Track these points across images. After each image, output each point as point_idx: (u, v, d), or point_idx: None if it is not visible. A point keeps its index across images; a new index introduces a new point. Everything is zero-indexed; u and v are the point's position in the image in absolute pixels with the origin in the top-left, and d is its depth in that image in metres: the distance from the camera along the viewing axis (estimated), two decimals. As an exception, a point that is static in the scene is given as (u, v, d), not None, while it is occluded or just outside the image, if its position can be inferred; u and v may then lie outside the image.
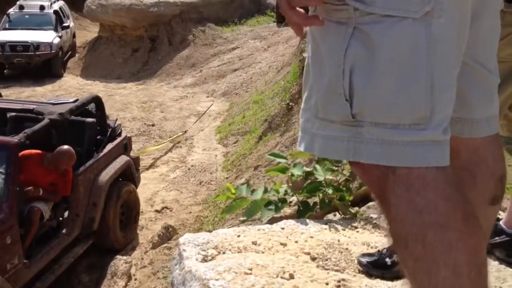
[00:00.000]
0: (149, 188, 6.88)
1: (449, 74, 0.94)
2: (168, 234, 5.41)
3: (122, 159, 5.73)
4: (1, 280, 3.78)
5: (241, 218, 3.06)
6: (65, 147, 4.79)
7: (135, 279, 4.64)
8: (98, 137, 5.64)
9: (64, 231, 4.88)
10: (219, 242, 2.19)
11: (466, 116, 1.16)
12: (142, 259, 5.01)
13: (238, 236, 2.24)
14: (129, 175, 5.92)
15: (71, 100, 5.54)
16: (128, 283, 4.48)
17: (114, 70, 14.52)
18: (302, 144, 1.06)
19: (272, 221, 2.71)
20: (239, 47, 14.43)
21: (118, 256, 4.80)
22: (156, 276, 4.59)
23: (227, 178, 7.17)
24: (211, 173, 7.54)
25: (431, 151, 0.92)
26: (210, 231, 4.77)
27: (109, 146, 5.63)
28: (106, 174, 5.36)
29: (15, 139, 4.42)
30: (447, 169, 0.94)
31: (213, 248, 2.12)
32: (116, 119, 6.54)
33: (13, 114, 5.58)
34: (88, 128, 5.52)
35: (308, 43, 1.05)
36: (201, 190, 7.03)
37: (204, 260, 2.03)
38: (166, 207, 6.50)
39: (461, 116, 1.15)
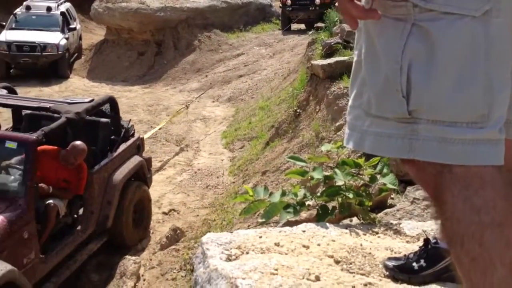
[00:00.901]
0: (156, 190, 6.88)
1: (505, 74, 0.95)
2: (176, 236, 5.41)
3: (135, 159, 5.82)
4: (18, 273, 3.83)
5: (259, 220, 3.07)
6: (78, 142, 4.85)
7: (144, 280, 4.64)
8: (112, 137, 5.72)
9: (79, 227, 4.96)
10: (242, 242, 2.20)
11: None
12: (151, 260, 5.02)
13: (260, 237, 2.25)
14: (142, 175, 6.00)
15: (87, 100, 5.61)
16: (137, 284, 4.49)
17: (120, 73, 14.55)
18: (351, 142, 1.05)
19: (287, 224, 2.73)
20: (244, 54, 14.48)
21: (127, 256, 4.81)
22: (164, 278, 4.59)
23: (233, 182, 7.18)
24: (217, 177, 7.55)
25: (488, 149, 0.93)
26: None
27: (123, 146, 5.71)
28: (120, 174, 5.44)
29: (33, 136, 4.46)
30: (502, 168, 0.95)
31: (236, 248, 2.13)
32: (130, 120, 6.58)
33: (29, 112, 5.64)
34: (103, 128, 5.60)
35: (360, 40, 1.06)
36: (208, 193, 7.04)
37: (228, 259, 2.04)
38: (174, 210, 6.51)
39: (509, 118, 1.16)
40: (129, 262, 4.63)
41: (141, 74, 14.59)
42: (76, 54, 15.46)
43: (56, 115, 5.08)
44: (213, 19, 16.13)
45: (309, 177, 2.66)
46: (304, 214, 2.89)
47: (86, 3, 18.72)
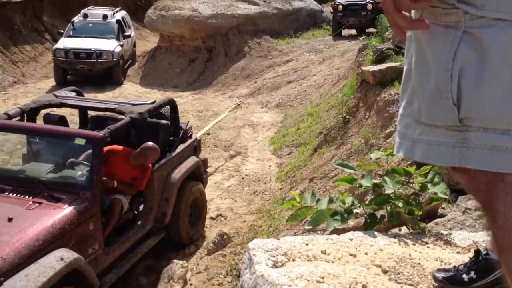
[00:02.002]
0: (204, 195, 6.95)
1: None
2: (223, 242, 5.45)
3: (193, 160, 6.03)
4: (84, 262, 4.04)
5: (306, 227, 3.05)
6: (150, 143, 5.08)
7: (191, 284, 4.69)
8: (171, 138, 5.93)
9: (139, 223, 5.17)
10: (288, 249, 2.19)
11: None
12: (198, 264, 5.07)
13: (307, 244, 2.24)
14: (198, 175, 6.20)
15: (149, 101, 5.82)
16: (184, 288, 4.54)
17: (171, 79, 14.83)
18: (401, 151, 1.05)
19: (334, 232, 2.70)
20: (294, 60, 14.48)
21: (174, 261, 4.87)
22: (210, 283, 4.63)
23: (281, 188, 7.17)
24: (265, 183, 7.56)
25: None
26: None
27: (181, 147, 5.93)
28: (178, 173, 5.65)
29: (100, 133, 4.74)
30: None
31: (283, 255, 2.13)
32: (188, 121, 6.75)
33: (95, 114, 5.99)
34: (162, 129, 5.82)
35: (411, 48, 1.05)
36: (255, 199, 7.05)
37: (275, 266, 2.04)
38: (221, 215, 6.56)
39: None
40: (176, 266, 4.69)
41: (192, 80, 14.83)
42: (130, 61, 15.90)
43: (120, 116, 5.35)
44: (263, 26, 16.24)
45: (358, 185, 2.63)
46: (351, 222, 2.86)
47: (141, 11, 19.30)
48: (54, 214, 4.15)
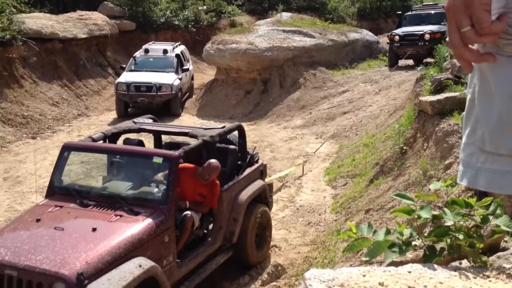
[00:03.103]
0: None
1: None
2: (277, 273, 5.43)
3: (259, 183, 6.41)
4: (160, 270, 4.38)
5: (363, 259, 3.00)
6: (213, 160, 5.49)
7: (245, 315, 4.68)
8: (239, 162, 6.30)
9: (209, 240, 5.51)
10: (345, 280, 2.17)
11: None
12: (252, 295, 5.05)
13: (364, 275, 2.21)
14: (264, 198, 6.54)
15: (220, 126, 6.31)
16: (239, 318, 4.52)
17: (227, 110, 15.10)
18: (465, 179, 1.05)
19: (392, 264, 2.64)
20: (349, 90, 14.43)
21: (229, 291, 4.88)
22: (265, 314, 4.60)
23: (336, 220, 7.09)
24: (319, 214, 7.49)
25: None
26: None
27: (248, 170, 6.31)
28: (245, 194, 6.02)
29: (176, 152, 5.20)
30: None
31: (339, 286, 2.11)
32: (255, 147, 7.20)
33: (168, 141, 6.54)
34: (231, 153, 6.21)
35: (474, 78, 1.06)
36: (310, 230, 7.00)
37: (331, 296, 2.02)
38: (275, 246, 6.54)
39: None
40: (231, 297, 4.70)
41: (247, 112, 15.04)
42: (188, 93, 16.35)
43: (193, 139, 5.85)
44: (318, 57, 16.35)
45: (416, 216, 2.58)
46: (410, 255, 2.79)
47: (199, 45, 19.87)
48: (133, 225, 4.57)
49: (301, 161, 10.07)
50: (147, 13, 20.70)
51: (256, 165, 6.50)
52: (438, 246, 2.55)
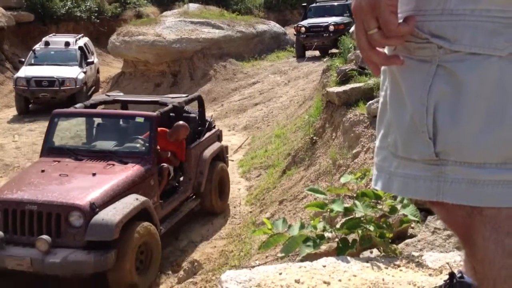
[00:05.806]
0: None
1: None
2: (194, 269, 5.36)
3: (217, 144, 7.56)
4: (151, 204, 5.48)
5: (279, 255, 3.02)
6: (181, 122, 6.58)
7: (162, 315, 4.58)
8: (199, 128, 7.35)
9: (181, 189, 6.63)
10: (261, 279, 2.16)
11: None
12: (169, 294, 4.95)
13: (280, 273, 2.21)
14: (222, 157, 7.68)
15: (184, 96, 7.57)
16: (156, 319, 4.41)
17: (137, 104, 14.69)
18: (379, 183, 1.04)
19: (307, 257, 2.67)
20: (259, 82, 14.56)
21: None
22: (183, 313, 4.52)
23: (251, 212, 7.13)
24: (234, 207, 7.50)
25: None
26: (236, 266, 4.68)
27: (208, 134, 7.41)
28: (208, 152, 7.14)
29: (155, 113, 6.24)
30: None
31: (256, 286, 2.09)
32: (212, 115, 8.82)
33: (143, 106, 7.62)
34: (192, 121, 7.22)
35: (385, 81, 1.05)
36: (225, 224, 6.98)
37: (248, 298, 2.00)
38: (191, 241, 6.46)
39: None
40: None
41: (158, 105, 14.72)
42: (93, 87, 15.69)
43: (164, 105, 6.88)
44: (228, 49, 16.33)
45: (329, 210, 2.62)
46: (323, 247, 2.84)
47: (103, 37, 19.16)
48: (126, 170, 5.59)
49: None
50: (46, 3, 19.63)
51: (213, 130, 7.64)
52: (350, 238, 2.61)
